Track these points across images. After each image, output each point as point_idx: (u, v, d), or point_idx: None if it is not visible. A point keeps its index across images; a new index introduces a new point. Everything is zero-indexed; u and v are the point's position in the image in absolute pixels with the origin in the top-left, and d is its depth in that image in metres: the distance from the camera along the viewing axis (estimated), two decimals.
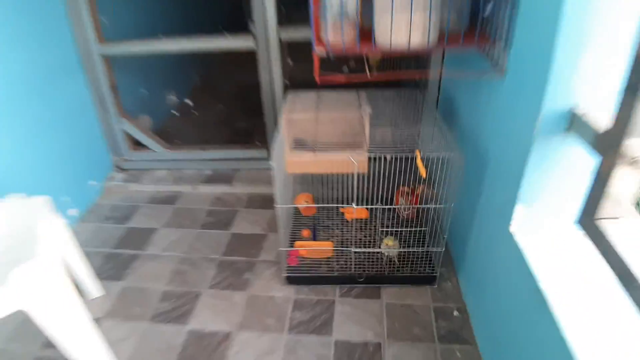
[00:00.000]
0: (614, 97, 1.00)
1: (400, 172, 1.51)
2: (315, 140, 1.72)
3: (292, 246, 1.81)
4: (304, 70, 2.06)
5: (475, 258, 1.56)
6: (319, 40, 1.32)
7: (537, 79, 1.04)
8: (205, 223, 2.13)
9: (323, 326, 1.57)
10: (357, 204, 1.58)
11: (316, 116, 1.67)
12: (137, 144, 2.51)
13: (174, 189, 2.38)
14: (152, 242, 2.01)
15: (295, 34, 2.04)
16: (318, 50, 1.29)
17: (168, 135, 2.74)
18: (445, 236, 1.57)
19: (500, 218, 1.27)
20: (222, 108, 3.34)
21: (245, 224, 2.11)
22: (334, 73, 1.32)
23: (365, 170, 1.67)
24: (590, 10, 0.90)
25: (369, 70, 1.46)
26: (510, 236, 1.20)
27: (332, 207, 2.03)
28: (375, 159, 1.52)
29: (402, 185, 2.11)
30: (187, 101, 3.38)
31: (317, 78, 1.32)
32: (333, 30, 1.28)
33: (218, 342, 1.54)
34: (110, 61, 2.26)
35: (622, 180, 0.91)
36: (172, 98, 3.29)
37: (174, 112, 3.25)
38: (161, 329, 1.59)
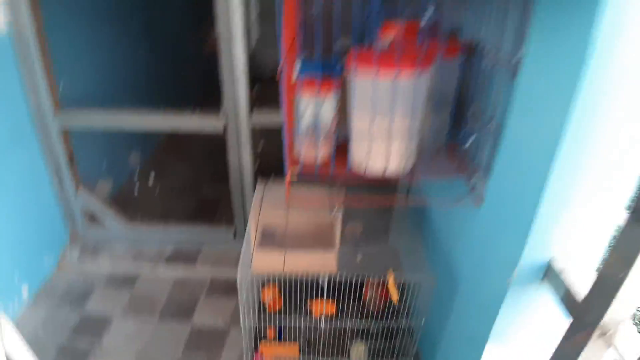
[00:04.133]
0: (594, 258, 0.99)
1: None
2: (285, 235, 1.65)
3: (255, 347, 1.70)
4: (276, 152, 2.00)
5: None
6: (292, 160, 1.26)
7: (516, 215, 1.01)
8: (164, 312, 1.98)
9: None
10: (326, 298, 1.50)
11: (286, 215, 1.62)
12: (95, 217, 2.36)
13: (132, 268, 2.23)
14: (108, 333, 1.85)
15: (268, 118, 1.99)
16: (291, 172, 1.22)
17: (128, 202, 2.59)
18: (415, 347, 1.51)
19: (470, 347, 1.23)
20: (188, 175, 3.17)
21: (207, 316, 1.97)
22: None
23: (335, 270, 1.62)
24: (583, 161, 0.86)
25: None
26: None
27: (300, 301, 1.95)
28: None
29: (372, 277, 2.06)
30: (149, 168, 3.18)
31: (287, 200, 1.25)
32: (307, 144, 1.23)
33: None
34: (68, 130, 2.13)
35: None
36: (135, 161, 3.14)
37: (135, 178, 3.06)
38: None
